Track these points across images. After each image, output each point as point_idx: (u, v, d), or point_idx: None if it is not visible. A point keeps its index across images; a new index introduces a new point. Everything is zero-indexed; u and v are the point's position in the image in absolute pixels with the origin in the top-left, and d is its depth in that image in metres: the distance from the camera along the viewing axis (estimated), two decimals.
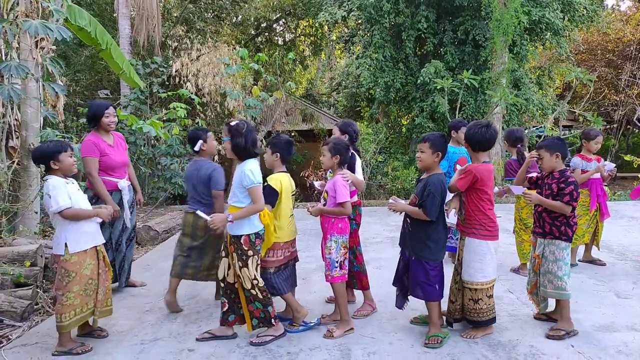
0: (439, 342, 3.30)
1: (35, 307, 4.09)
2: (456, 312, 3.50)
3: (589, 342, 3.33)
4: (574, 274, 4.84)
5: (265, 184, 3.41)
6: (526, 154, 4.63)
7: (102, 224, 4.24)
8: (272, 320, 3.38)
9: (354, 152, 3.90)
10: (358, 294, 4.08)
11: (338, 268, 3.50)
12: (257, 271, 3.33)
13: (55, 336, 3.34)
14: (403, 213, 3.44)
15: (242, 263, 3.31)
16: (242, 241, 3.32)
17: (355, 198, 3.93)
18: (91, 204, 4.18)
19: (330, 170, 3.69)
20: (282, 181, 3.48)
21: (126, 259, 4.52)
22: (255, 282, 3.29)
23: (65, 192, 3.24)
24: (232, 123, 3.38)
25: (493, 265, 3.38)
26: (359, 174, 3.86)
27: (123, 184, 4.35)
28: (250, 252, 3.31)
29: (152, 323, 3.78)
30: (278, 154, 3.51)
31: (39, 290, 4.23)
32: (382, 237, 6.75)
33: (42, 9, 5.43)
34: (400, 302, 3.57)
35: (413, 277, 3.37)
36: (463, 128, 5.18)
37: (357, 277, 3.90)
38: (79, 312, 3.29)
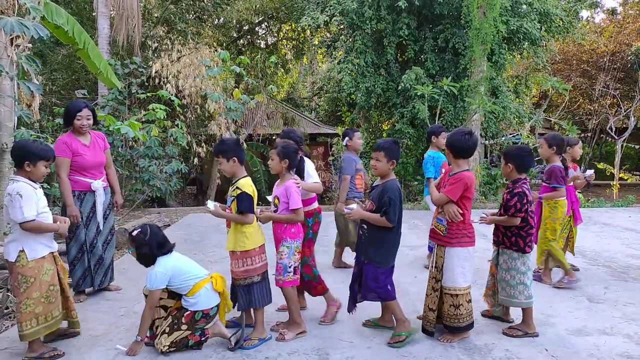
0: (402, 340, 3.34)
1: (5, 311, 3.98)
2: (434, 320, 3.48)
3: (562, 345, 3.40)
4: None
5: (240, 191, 3.31)
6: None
7: (77, 226, 4.18)
8: (201, 340, 3.33)
9: (304, 157, 3.89)
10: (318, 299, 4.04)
11: (291, 273, 3.46)
12: (174, 344, 3.22)
13: None
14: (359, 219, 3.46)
15: (168, 329, 3.23)
16: (185, 314, 3.27)
17: (315, 205, 3.91)
18: (62, 205, 4.10)
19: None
20: (252, 185, 3.42)
21: (103, 261, 4.41)
22: (164, 348, 3.19)
23: (34, 203, 3.10)
24: (134, 232, 3.27)
25: (471, 270, 3.43)
26: (313, 178, 3.85)
27: (96, 184, 4.27)
28: (183, 327, 3.23)
29: (127, 328, 3.71)
30: (235, 159, 3.38)
31: (9, 294, 4.11)
32: None
33: (19, 6, 5.31)
34: (351, 307, 3.58)
35: (365, 282, 3.39)
36: (443, 133, 5.26)
37: (309, 285, 3.87)
38: (43, 320, 3.15)
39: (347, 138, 5.04)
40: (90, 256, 4.32)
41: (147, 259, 3.27)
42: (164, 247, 3.30)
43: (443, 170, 5.00)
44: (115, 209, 4.64)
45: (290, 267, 3.46)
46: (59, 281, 3.30)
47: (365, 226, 3.43)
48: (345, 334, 3.57)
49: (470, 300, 3.43)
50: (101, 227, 4.36)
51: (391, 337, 3.41)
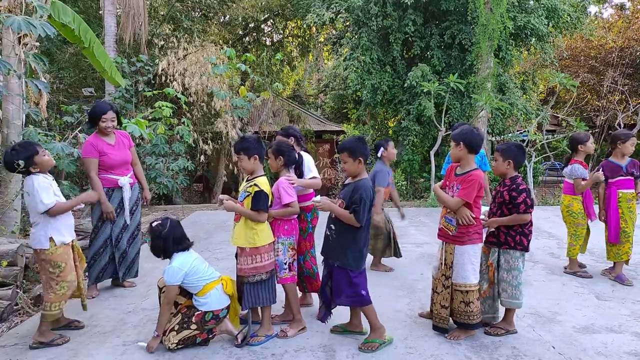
0: (373, 348, 3.24)
1: (14, 307, 4.01)
2: (447, 318, 3.43)
3: (569, 343, 3.39)
4: (555, 275, 4.93)
5: (259, 189, 3.31)
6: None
7: (103, 221, 4.34)
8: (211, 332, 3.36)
9: (304, 152, 3.90)
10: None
11: (287, 270, 3.48)
12: (182, 341, 3.23)
13: None
14: (327, 220, 3.35)
15: (178, 327, 3.24)
16: (195, 314, 3.28)
17: None
18: (94, 203, 4.31)
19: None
20: (268, 185, 3.43)
21: (127, 256, 4.53)
22: (172, 345, 3.21)
23: (51, 190, 3.30)
24: (154, 223, 3.30)
25: (479, 267, 3.42)
26: (313, 172, 3.82)
27: (123, 181, 4.42)
28: (193, 326, 3.25)
29: (135, 324, 3.74)
30: (257, 156, 3.41)
31: (18, 291, 4.15)
32: None
33: (26, 5, 5.34)
34: (324, 315, 3.46)
35: (337, 287, 3.27)
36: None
37: (306, 282, 3.85)
38: (64, 303, 3.40)
39: (381, 149, 4.86)
40: (115, 250, 4.43)
41: (161, 252, 3.28)
42: (181, 243, 3.31)
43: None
44: (144, 203, 4.80)
45: (285, 263, 3.48)
46: (75, 267, 3.49)
47: (333, 227, 3.31)
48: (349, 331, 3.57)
49: (479, 298, 3.41)
50: (128, 222, 4.49)
51: (363, 343, 3.30)
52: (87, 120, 4.54)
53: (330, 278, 3.34)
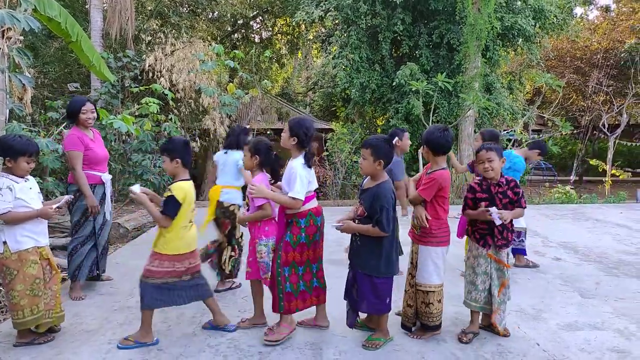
0: (376, 346, 3.26)
1: None
2: (413, 317, 3.46)
3: (553, 340, 3.43)
4: (539, 273, 4.99)
5: (170, 194, 3.20)
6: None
7: (85, 218, 4.25)
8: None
9: (300, 165, 3.32)
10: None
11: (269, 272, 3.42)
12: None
13: None
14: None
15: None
16: None
17: (315, 203, 3.45)
18: (75, 198, 4.16)
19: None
20: (187, 191, 3.28)
21: (105, 251, 4.53)
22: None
23: (9, 196, 3.10)
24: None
25: (444, 269, 3.39)
26: (294, 192, 3.21)
27: (106, 177, 4.41)
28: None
29: (120, 322, 3.71)
30: (179, 160, 3.29)
31: (1, 289, 4.08)
32: None
33: None
34: (351, 320, 3.43)
35: (361, 292, 3.26)
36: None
37: (300, 297, 3.42)
38: (29, 313, 3.17)
39: (396, 138, 4.51)
40: (97, 246, 4.39)
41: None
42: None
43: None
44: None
45: (270, 265, 3.40)
46: (43, 276, 3.28)
47: (357, 234, 3.28)
48: (337, 328, 3.57)
49: (440, 300, 3.37)
50: (107, 218, 4.47)
51: (368, 340, 3.32)
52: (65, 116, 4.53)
53: (355, 282, 3.31)
